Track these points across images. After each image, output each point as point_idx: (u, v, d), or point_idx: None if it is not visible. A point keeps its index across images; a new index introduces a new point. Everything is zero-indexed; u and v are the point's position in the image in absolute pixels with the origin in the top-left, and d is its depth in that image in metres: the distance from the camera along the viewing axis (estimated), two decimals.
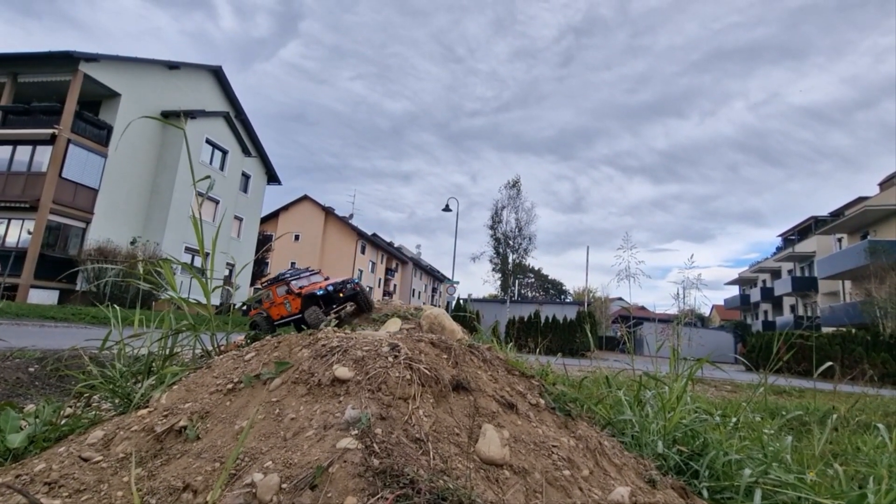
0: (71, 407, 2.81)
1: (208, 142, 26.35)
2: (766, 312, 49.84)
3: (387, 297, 57.40)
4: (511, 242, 33.79)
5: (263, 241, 36.45)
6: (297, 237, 47.52)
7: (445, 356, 1.64)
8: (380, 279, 55.99)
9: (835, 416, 4.05)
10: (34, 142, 20.44)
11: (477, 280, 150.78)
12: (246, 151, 29.61)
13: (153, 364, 2.31)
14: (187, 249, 25.31)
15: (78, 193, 21.01)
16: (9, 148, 20.81)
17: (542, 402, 1.78)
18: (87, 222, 21.52)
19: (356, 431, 1.16)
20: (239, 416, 1.44)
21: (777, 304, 46.96)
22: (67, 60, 20.04)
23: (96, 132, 21.59)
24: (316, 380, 1.46)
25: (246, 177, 31.39)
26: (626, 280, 4.68)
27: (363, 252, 50.47)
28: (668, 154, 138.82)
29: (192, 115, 24.91)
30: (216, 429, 1.39)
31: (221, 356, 1.93)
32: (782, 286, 42.94)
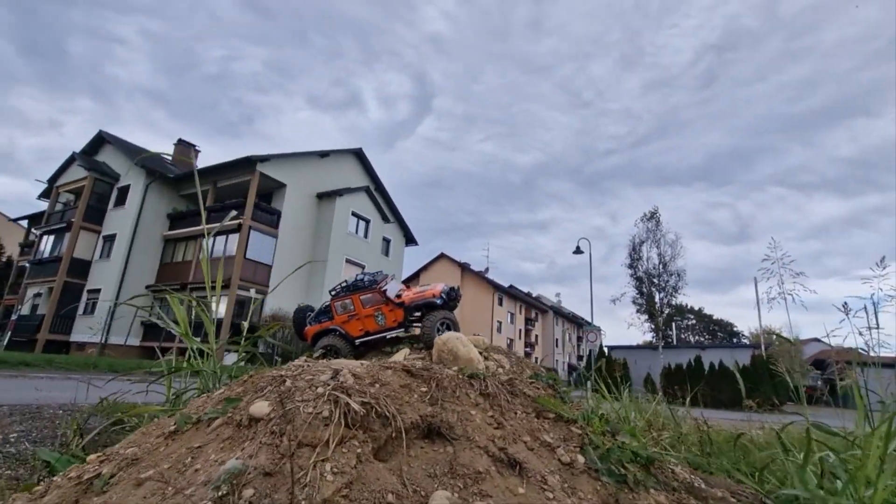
0: None
1: (353, 214, 29.70)
2: None
3: (528, 349, 55.41)
4: (656, 280, 29.54)
5: None
6: None
7: (423, 388, 1.19)
8: (520, 330, 54.72)
9: None
10: (227, 232, 25.38)
11: (624, 324, 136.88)
12: (385, 219, 32.55)
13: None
14: None
15: (257, 270, 25.19)
16: (211, 239, 26.20)
17: (579, 459, 1.18)
18: (265, 294, 25.47)
19: (217, 493, 0.81)
20: (161, 462, 1.19)
21: None
22: (248, 163, 24.92)
23: (269, 217, 26.00)
24: (237, 418, 1.15)
25: (386, 241, 34.29)
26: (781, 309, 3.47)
27: (500, 304, 50.27)
28: (858, 161, 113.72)
29: (339, 193, 28.53)
30: (125, 480, 1.16)
31: (203, 395, 1.76)
32: None
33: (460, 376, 1.40)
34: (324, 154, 29.44)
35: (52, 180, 31.11)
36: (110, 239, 27.40)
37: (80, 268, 27.42)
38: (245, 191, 25.74)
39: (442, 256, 51.85)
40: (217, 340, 2.96)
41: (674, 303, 30.27)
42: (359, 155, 32.44)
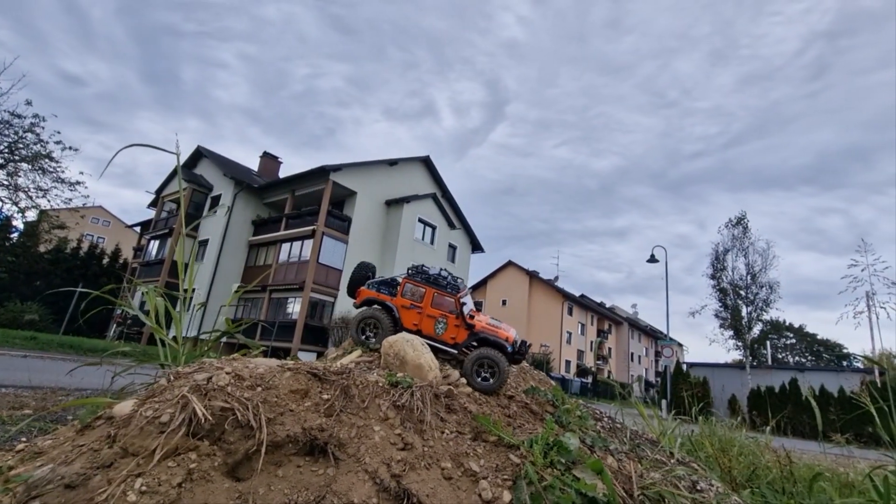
0: None
1: (420, 220, 30.19)
2: None
3: (600, 363, 52.69)
4: (743, 293, 26.31)
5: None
6: (504, 302, 48.91)
7: (326, 396, 1.01)
8: (591, 342, 52.26)
9: None
10: (302, 238, 26.90)
11: (706, 340, 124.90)
12: (451, 225, 32.72)
13: None
14: None
15: (329, 274, 26.38)
16: (288, 244, 27.91)
17: (505, 496, 0.93)
18: (335, 297, 26.60)
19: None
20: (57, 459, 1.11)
21: None
22: (322, 172, 26.28)
23: (340, 224, 27.17)
24: (107, 417, 1.04)
25: (452, 248, 34.43)
26: None
27: (570, 314, 48.40)
28: None
29: (407, 200, 29.16)
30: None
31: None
32: None
33: (380, 384, 1.21)
34: (393, 162, 30.28)
35: (159, 191, 34.99)
36: (204, 244, 30.18)
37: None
38: (320, 199, 27.15)
39: (510, 264, 51.07)
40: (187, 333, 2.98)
41: (765, 318, 27.03)
42: (426, 163, 32.98)
